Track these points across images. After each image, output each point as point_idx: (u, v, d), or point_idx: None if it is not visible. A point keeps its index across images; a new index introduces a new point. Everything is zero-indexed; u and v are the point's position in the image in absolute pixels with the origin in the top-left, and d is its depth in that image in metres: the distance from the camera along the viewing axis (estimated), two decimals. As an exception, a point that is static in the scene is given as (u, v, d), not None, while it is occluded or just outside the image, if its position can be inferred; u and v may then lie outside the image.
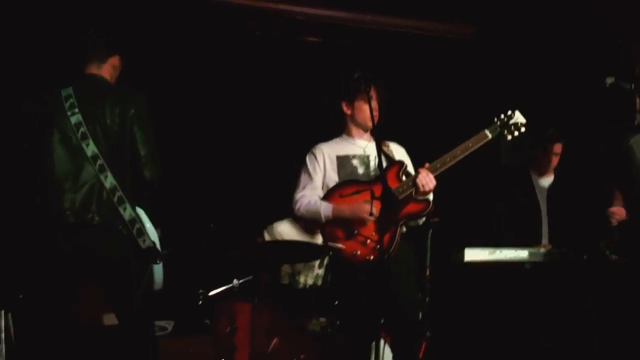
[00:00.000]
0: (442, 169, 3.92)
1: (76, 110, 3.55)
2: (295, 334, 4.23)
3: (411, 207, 3.95)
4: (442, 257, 4.93)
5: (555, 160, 5.23)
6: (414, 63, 5.95)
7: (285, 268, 4.98)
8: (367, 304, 3.79)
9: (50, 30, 4.99)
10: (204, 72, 5.54)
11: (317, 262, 5.01)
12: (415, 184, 3.88)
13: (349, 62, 4.77)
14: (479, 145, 3.94)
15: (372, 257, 3.85)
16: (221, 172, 5.63)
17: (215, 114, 5.64)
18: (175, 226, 4.56)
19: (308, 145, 4.35)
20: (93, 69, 3.74)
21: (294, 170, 4.30)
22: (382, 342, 3.91)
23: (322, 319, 4.33)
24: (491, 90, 5.77)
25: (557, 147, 5.21)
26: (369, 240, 3.88)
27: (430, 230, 4.82)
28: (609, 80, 4.21)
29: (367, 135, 4.18)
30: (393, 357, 3.86)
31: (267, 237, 5.09)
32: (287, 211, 5.16)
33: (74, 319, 3.55)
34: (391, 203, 3.77)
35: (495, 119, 4.01)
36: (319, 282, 5.08)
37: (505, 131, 3.99)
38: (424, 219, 4.19)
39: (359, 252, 3.91)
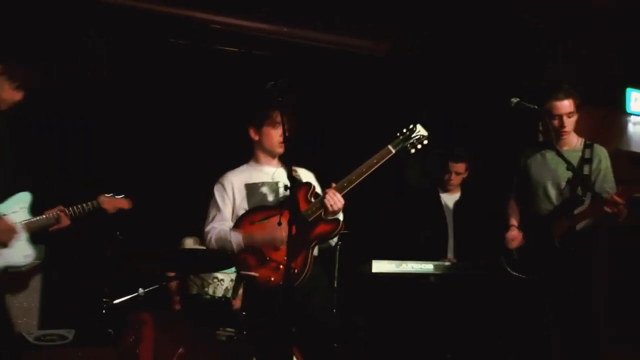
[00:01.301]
0: (349, 187, 3.93)
1: None
2: (201, 344, 4.20)
3: (322, 228, 3.93)
4: (351, 270, 4.99)
5: (457, 179, 5.37)
6: (328, 77, 6.00)
7: (194, 279, 4.94)
8: (279, 321, 3.75)
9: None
10: (117, 81, 5.44)
11: (226, 277, 5.01)
12: (323, 205, 3.90)
13: (263, 75, 4.77)
14: (384, 160, 3.97)
15: (281, 283, 3.78)
16: (134, 183, 5.53)
17: (131, 121, 5.54)
18: (82, 234, 4.49)
19: (223, 156, 4.33)
20: None
21: (208, 181, 4.25)
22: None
23: (229, 329, 4.31)
24: (402, 107, 5.87)
25: (460, 167, 5.34)
26: (281, 266, 3.84)
27: (339, 243, 4.89)
28: (514, 100, 4.35)
29: (275, 161, 4.17)
30: None
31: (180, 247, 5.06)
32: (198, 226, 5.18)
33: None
34: (302, 226, 3.77)
35: (398, 134, 4.02)
36: (228, 294, 5.07)
37: (408, 145, 4.01)
38: (335, 239, 4.22)
39: (272, 278, 3.86)
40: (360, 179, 3.92)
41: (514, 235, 4.44)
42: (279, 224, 3.80)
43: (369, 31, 6.01)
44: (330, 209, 3.87)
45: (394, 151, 3.97)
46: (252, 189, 4.08)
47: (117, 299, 4.31)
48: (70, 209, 4.09)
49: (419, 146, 4.03)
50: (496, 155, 5.42)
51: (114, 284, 4.45)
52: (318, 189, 4.14)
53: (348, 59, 6.09)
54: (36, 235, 3.95)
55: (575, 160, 4.31)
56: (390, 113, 5.86)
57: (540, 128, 4.72)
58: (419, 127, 4.03)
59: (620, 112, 6.15)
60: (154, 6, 5.38)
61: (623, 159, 5.59)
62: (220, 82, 5.70)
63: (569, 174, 4.28)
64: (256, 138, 4.14)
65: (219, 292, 4.99)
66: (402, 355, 5.12)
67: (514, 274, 4.37)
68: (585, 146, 4.38)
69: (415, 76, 6.05)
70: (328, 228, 3.95)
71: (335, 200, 3.87)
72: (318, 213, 3.92)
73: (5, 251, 3.71)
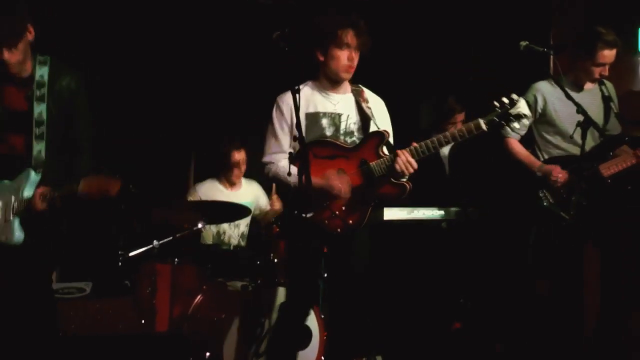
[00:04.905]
0: (424, 155, 3.50)
1: None
2: (216, 293, 4.26)
3: (387, 189, 3.55)
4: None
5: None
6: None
7: (210, 227, 5.00)
8: (307, 272, 3.55)
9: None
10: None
11: (242, 221, 5.06)
12: (393, 168, 3.46)
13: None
14: (471, 136, 3.47)
15: (338, 231, 3.53)
16: (145, 132, 5.56)
17: (146, 69, 5.53)
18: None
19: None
20: None
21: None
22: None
23: (245, 279, 4.37)
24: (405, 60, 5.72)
25: (459, 117, 5.29)
26: (337, 217, 3.51)
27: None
28: (523, 43, 4.27)
29: (343, 87, 3.67)
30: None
31: (189, 197, 5.12)
32: (212, 172, 5.21)
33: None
34: (367, 180, 3.51)
35: (495, 103, 3.49)
36: (244, 242, 5.14)
37: (504, 122, 3.47)
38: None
39: (326, 222, 3.54)
40: (441, 148, 3.54)
41: (559, 170, 4.22)
42: (344, 177, 3.52)
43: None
44: (401, 173, 3.47)
45: (485, 128, 3.46)
46: (311, 120, 3.61)
47: (132, 251, 4.38)
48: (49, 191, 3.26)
49: (516, 125, 3.49)
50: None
51: (129, 237, 4.51)
52: (387, 120, 3.75)
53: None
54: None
55: (598, 97, 4.34)
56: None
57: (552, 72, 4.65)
58: (522, 102, 3.49)
59: (630, 52, 6.03)
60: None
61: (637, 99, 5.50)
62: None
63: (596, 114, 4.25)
64: (321, 59, 3.60)
65: (235, 240, 5.05)
66: (415, 301, 5.18)
67: (561, 214, 4.18)
68: (600, 83, 4.39)
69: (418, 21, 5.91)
70: (393, 191, 3.56)
71: (407, 165, 3.46)
72: (385, 172, 3.52)
73: None
